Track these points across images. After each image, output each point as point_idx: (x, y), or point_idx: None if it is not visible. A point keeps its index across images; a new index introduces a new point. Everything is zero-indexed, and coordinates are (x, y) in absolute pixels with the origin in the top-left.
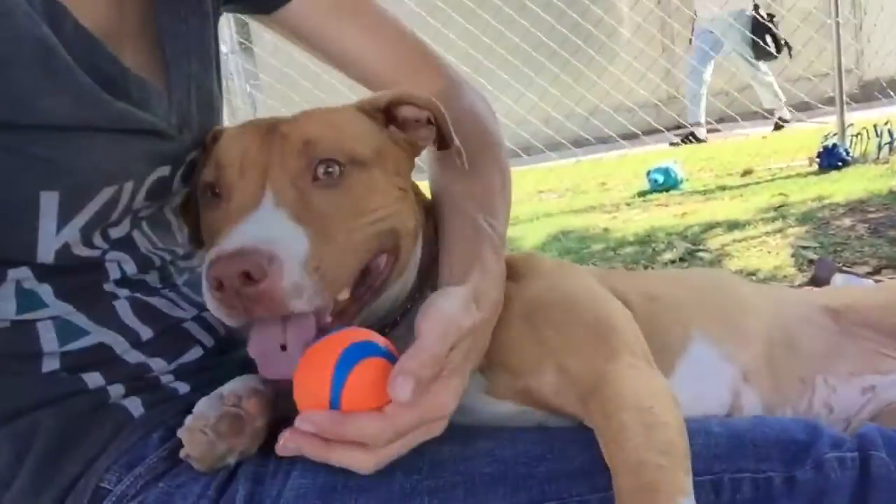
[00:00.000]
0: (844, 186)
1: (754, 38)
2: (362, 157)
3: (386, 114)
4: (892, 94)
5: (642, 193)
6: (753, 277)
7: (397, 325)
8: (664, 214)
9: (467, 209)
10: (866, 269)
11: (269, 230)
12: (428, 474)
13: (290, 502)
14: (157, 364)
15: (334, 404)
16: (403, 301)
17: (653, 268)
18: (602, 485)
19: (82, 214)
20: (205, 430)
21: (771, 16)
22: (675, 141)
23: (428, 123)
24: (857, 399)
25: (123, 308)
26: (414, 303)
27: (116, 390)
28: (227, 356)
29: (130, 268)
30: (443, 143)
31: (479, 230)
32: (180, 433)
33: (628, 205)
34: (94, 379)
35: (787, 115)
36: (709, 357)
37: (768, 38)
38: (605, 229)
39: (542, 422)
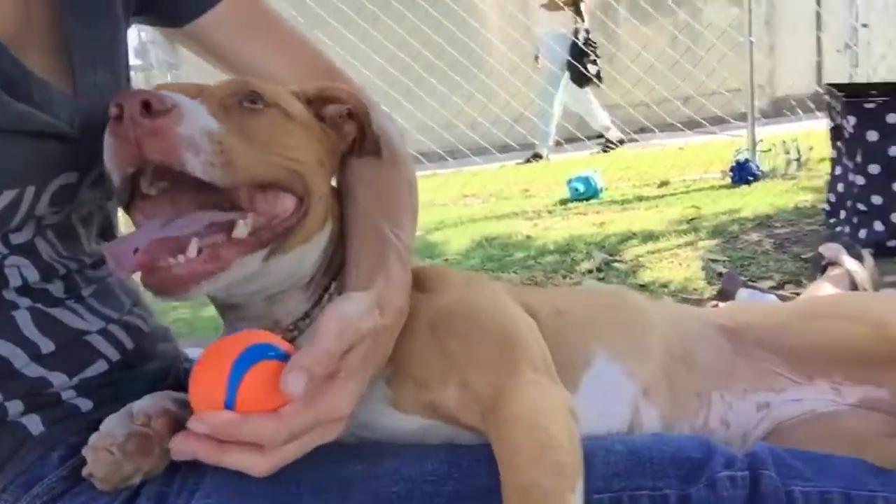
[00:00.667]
0: (753, 201)
1: (572, 61)
2: (290, 112)
3: (312, 105)
4: (800, 111)
5: (563, 202)
6: (665, 290)
7: (302, 332)
8: (583, 223)
9: (374, 220)
10: (770, 283)
11: (179, 96)
12: (335, 495)
13: None
14: (58, 379)
15: (229, 405)
16: (309, 307)
17: (571, 277)
18: None
19: None
20: (111, 450)
21: (588, 40)
22: (529, 158)
23: (349, 118)
24: (752, 415)
25: (23, 319)
26: (319, 308)
27: (15, 407)
28: (133, 371)
29: (32, 275)
30: (359, 148)
31: (386, 240)
32: (85, 451)
33: (550, 212)
34: None
35: (545, 152)
36: (611, 373)
37: (589, 65)
38: (528, 237)
39: (451, 437)
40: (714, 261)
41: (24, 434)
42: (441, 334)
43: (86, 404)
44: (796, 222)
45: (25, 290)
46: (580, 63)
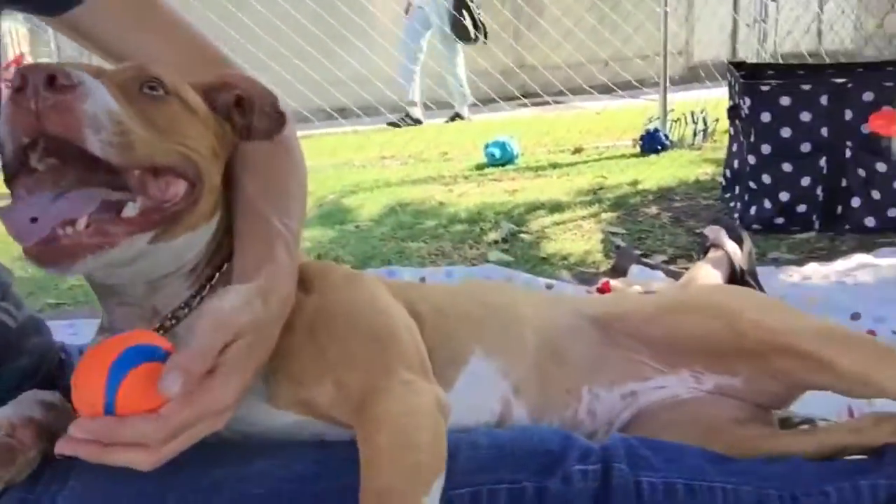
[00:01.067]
0: (658, 172)
1: (455, 13)
2: (189, 101)
3: (206, 96)
4: (717, 76)
5: (480, 167)
6: (565, 262)
7: (180, 321)
8: (496, 190)
9: (262, 209)
10: (663, 257)
11: (83, 74)
12: (202, 497)
13: None
14: None
15: (109, 408)
16: (189, 296)
17: (477, 247)
18: None
19: None
20: None
21: None
22: (393, 120)
23: (237, 107)
24: (617, 404)
25: None
26: (202, 299)
27: None
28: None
29: None
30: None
31: (272, 230)
32: None
33: (465, 178)
34: None
35: (465, 112)
36: (486, 371)
37: (467, 19)
38: (441, 203)
39: (323, 433)
40: (614, 234)
41: None
42: (319, 334)
43: None
44: (694, 196)
45: None
46: (460, 15)
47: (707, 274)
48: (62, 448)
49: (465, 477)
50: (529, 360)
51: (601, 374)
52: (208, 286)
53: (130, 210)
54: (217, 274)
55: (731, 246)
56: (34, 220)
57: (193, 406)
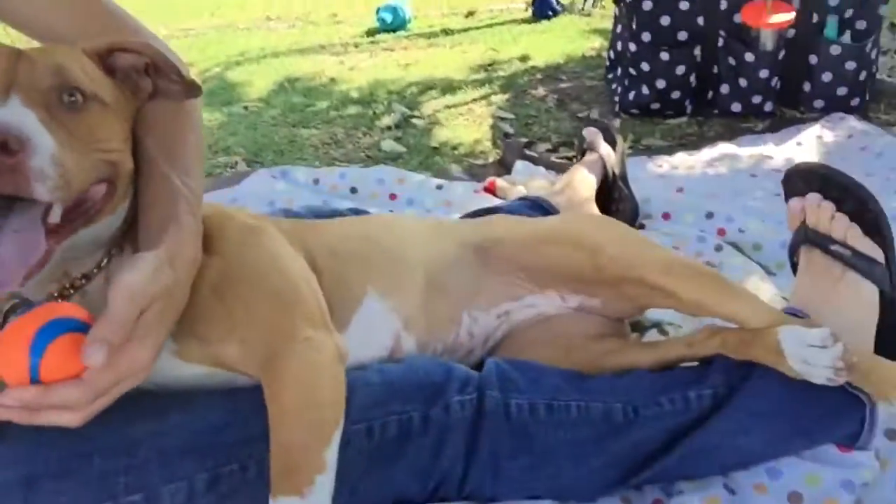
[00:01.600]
0: (548, 44)
1: None
2: (103, 98)
3: (103, 62)
4: None
5: (371, 32)
6: (456, 152)
7: (91, 281)
8: (389, 63)
9: (163, 170)
10: (547, 145)
11: (22, 119)
12: (124, 454)
13: None
14: None
15: (34, 377)
16: (100, 258)
17: (370, 134)
18: None
19: None
20: None
21: None
22: None
23: (145, 73)
24: (493, 323)
25: None
26: (111, 258)
27: None
28: None
29: None
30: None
31: (174, 190)
32: None
33: (357, 46)
34: None
35: None
36: (378, 310)
37: None
38: (332, 79)
39: (231, 380)
40: (503, 119)
41: None
42: (224, 295)
43: None
44: (580, 75)
45: None
46: None
47: (582, 178)
48: None
49: (361, 412)
50: (417, 296)
51: (479, 297)
52: (115, 248)
53: (55, 216)
54: (126, 235)
55: (604, 149)
56: None
57: (114, 369)
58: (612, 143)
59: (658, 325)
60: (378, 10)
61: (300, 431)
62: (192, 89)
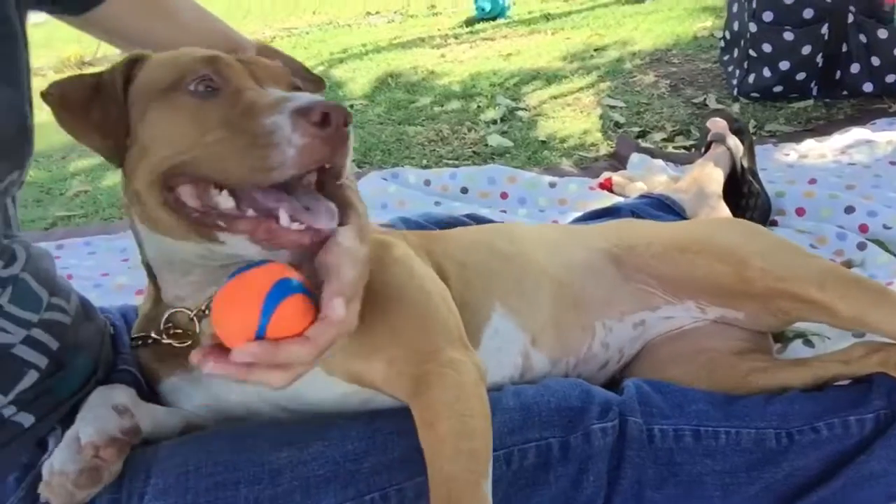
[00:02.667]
0: (655, 25)
1: None
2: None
3: None
4: None
5: (470, 22)
6: (564, 145)
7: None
8: (490, 53)
9: None
10: (662, 134)
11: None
12: (268, 484)
13: None
14: None
15: (260, 334)
16: None
17: (475, 129)
18: (416, 471)
19: None
20: (66, 486)
21: None
22: None
23: None
24: (629, 333)
25: None
26: None
27: None
28: (64, 371)
29: None
30: None
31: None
32: (41, 490)
33: (456, 37)
34: None
35: None
36: (507, 328)
37: None
38: (432, 72)
39: (368, 400)
40: (612, 107)
41: None
42: (366, 312)
43: (28, 419)
44: (693, 58)
45: None
46: None
47: (709, 173)
48: (215, 368)
49: (498, 439)
50: (546, 311)
51: (613, 306)
52: None
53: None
54: None
55: (732, 141)
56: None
57: (335, 328)
58: (739, 134)
59: (803, 336)
60: None
61: (458, 463)
62: (320, 83)
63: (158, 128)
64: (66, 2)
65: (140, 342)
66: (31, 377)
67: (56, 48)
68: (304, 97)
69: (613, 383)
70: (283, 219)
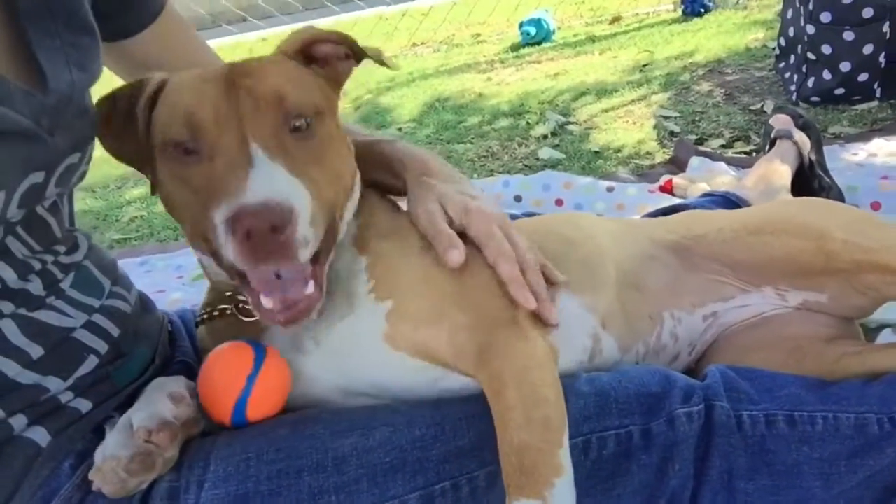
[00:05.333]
0: (705, 41)
1: None
2: (321, 108)
3: (304, 55)
4: None
5: (515, 47)
6: (619, 155)
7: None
8: (537, 74)
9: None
10: (721, 141)
11: (278, 183)
12: (333, 472)
13: None
14: (53, 383)
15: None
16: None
17: (526, 144)
18: (488, 459)
19: None
20: (117, 471)
21: None
22: None
23: (346, 58)
24: (699, 325)
25: (10, 328)
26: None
27: (19, 422)
28: (123, 359)
29: (10, 276)
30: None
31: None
32: (92, 475)
33: (502, 62)
34: None
35: None
36: (574, 308)
37: None
38: (480, 94)
39: (438, 378)
40: (666, 117)
41: (33, 449)
42: (433, 277)
43: (85, 405)
44: (747, 67)
45: (6, 293)
46: None
47: (775, 169)
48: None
49: (575, 427)
50: (612, 293)
51: (681, 297)
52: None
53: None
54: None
55: (798, 135)
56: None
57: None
58: (805, 129)
59: (888, 325)
60: (521, 25)
61: (529, 430)
62: (391, 64)
63: (162, 188)
64: (114, 27)
65: (206, 315)
66: (90, 362)
67: None
68: (251, 196)
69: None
70: (263, 298)
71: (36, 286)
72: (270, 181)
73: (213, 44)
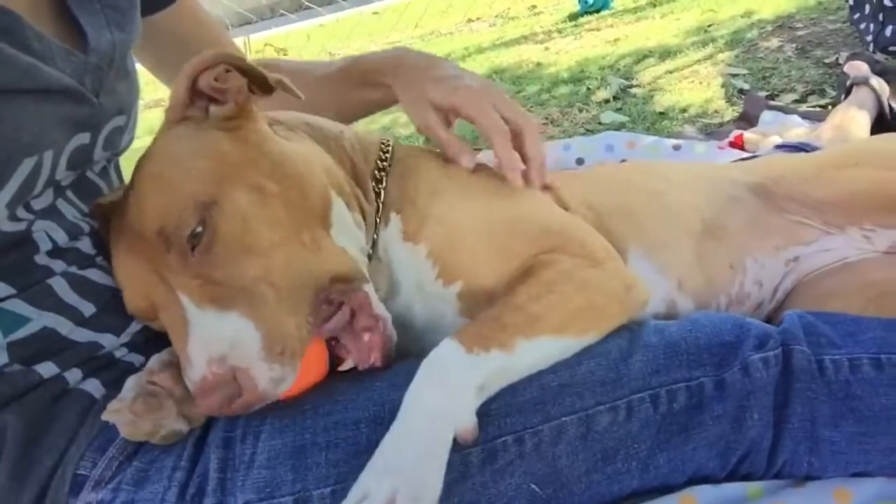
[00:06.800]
0: None
1: None
2: (210, 194)
3: (192, 99)
4: None
5: (573, 17)
6: (685, 114)
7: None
8: (596, 41)
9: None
10: (794, 96)
11: (218, 343)
12: (390, 424)
13: (263, 464)
14: (108, 340)
15: None
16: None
17: (587, 109)
18: (553, 413)
19: (6, 191)
20: (123, 412)
21: None
22: None
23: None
24: (781, 270)
25: (60, 286)
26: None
27: (74, 375)
28: None
29: (60, 236)
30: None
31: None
32: (105, 415)
33: (560, 32)
34: (47, 368)
35: None
36: (645, 271)
37: None
38: (538, 64)
39: None
40: (734, 75)
41: (88, 400)
42: (498, 240)
43: (138, 359)
44: (818, 20)
45: (56, 252)
46: None
47: (852, 117)
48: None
49: (643, 381)
50: (690, 248)
51: (764, 241)
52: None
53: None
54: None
55: (876, 82)
56: None
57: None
58: (883, 75)
59: None
60: None
61: (543, 300)
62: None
63: None
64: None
65: None
66: None
67: None
68: (194, 373)
69: None
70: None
71: (85, 244)
72: (207, 343)
73: (270, 33)
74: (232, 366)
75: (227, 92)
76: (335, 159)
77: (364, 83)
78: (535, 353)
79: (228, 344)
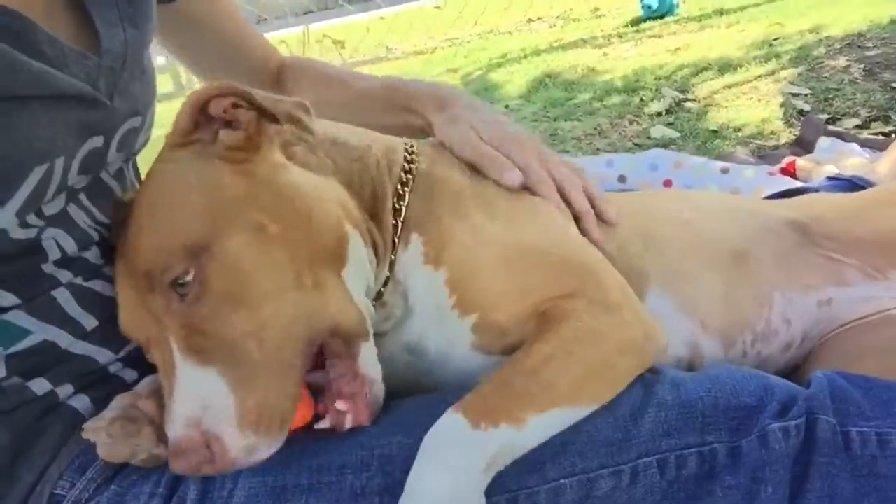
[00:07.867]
0: (845, 13)
1: None
2: (202, 236)
3: (198, 124)
4: None
5: (635, 22)
6: (739, 134)
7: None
8: (657, 49)
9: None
10: (856, 120)
11: (195, 403)
12: (377, 472)
13: (241, 502)
14: (104, 355)
15: None
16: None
17: (637, 122)
18: (551, 476)
19: (16, 199)
20: (99, 432)
21: None
22: None
23: (237, 107)
24: (812, 312)
25: (65, 298)
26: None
27: (65, 390)
28: None
29: (69, 245)
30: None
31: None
32: (83, 433)
33: (620, 37)
34: (40, 385)
35: None
36: (666, 310)
37: None
38: (593, 69)
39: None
40: (795, 95)
41: (74, 418)
42: (511, 268)
43: (131, 375)
44: (890, 41)
45: (64, 261)
46: None
47: None
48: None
49: (651, 443)
50: (715, 283)
51: (794, 276)
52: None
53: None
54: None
55: None
56: None
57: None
58: None
59: None
60: None
61: (557, 362)
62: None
63: None
64: None
65: None
66: None
67: None
68: (173, 431)
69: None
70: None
71: (94, 254)
72: (185, 404)
73: (329, 23)
74: (205, 430)
75: (238, 120)
76: (354, 185)
77: (408, 109)
78: (547, 427)
79: (202, 405)
